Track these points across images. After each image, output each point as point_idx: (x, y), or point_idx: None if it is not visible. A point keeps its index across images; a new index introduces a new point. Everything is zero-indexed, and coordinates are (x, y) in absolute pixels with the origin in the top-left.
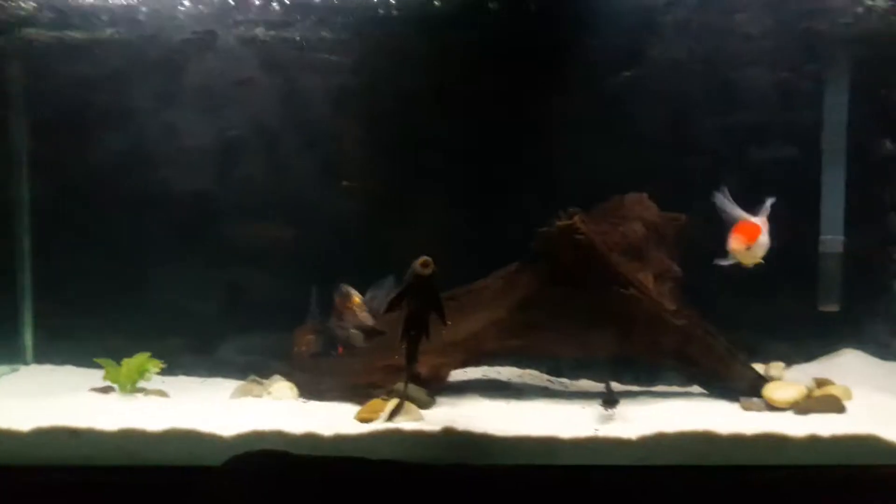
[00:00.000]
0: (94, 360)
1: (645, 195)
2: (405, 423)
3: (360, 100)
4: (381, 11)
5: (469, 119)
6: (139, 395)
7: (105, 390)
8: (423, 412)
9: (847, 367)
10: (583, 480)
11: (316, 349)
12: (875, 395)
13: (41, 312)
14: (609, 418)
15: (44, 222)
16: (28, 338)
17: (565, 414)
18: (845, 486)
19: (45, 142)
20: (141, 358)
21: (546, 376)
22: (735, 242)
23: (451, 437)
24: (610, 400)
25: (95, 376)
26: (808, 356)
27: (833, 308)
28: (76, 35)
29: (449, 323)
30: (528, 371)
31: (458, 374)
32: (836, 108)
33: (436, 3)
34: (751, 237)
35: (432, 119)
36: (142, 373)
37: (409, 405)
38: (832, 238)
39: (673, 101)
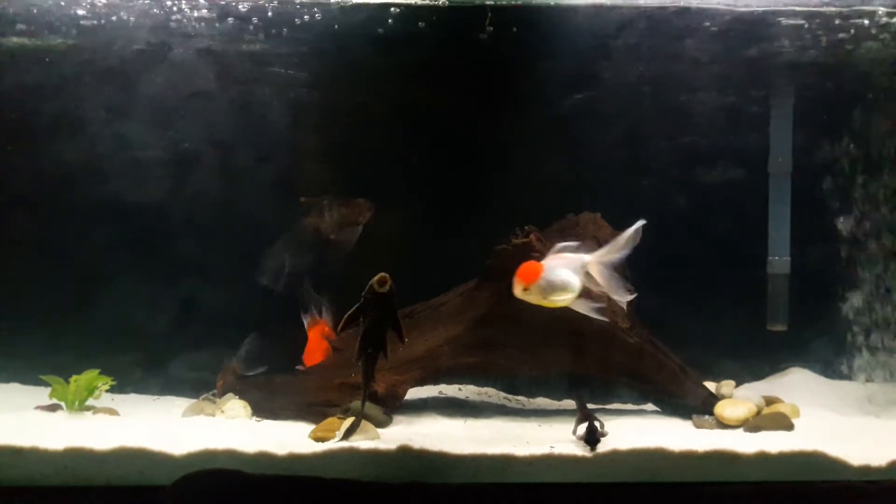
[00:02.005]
0: (41, 376)
1: (598, 215)
2: (361, 442)
3: (318, 116)
4: (338, 28)
5: (426, 138)
6: (87, 414)
7: (52, 408)
8: (380, 430)
9: (795, 386)
10: (538, 498)
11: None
12: (821, 412)
13: None
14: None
15: None
16: None
17: (522, 432)
18: (793, 500)
19: None
20: (90, 375)
21: (503, 394)
22: (514, 285)
23: (407, 456)
24: (592, 439)
25: (42, 394)
26: (758, 375)
27: (781, 328)
28: (25, 42)
29: (406, 340)
30: (485, 389)
31: (415, 392)
32: (781, 132)
33: (420, 24)
34: (529, 277)
35: (391, 138)
36: (91, 390)
37: (365, 423)
38: (780, 259)
39: (624, 123)
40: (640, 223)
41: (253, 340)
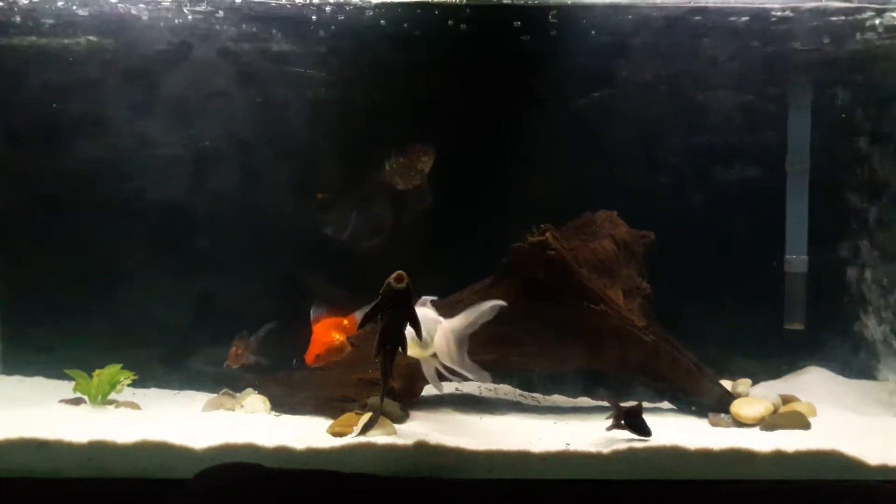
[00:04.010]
0: (65, 371)
1: (615, 212)
2: (378, 437)
3: (335, 113)
4: (357, 26)
5: (442, 136)
6: (110, 408)
7: (75, 402)
8: (397, 426)
9: (812, 385)
10: (554, 495)
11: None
12: (838, 411)
13: (10, 322)
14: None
15: (13, 231)
16: None
17: (537, 429)
18: (809, 499)
19: (15, 149)
20: (112, 369)
21: (518, 391)
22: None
23: (423, 451)
24: (645, 427)
25: (66, 388)
26: (774, 373)
27: (798, 326)
28: (48, 42)
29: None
30: (501, 386)
31: (431, 389)
32: (799, 130)
33: (436, 13)
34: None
35: (409, 135)
36: (113, 385)
37: (382, 419)
38: (797, 258)
39: (641, 122)
40: (498, 303)
41: (273, 326)
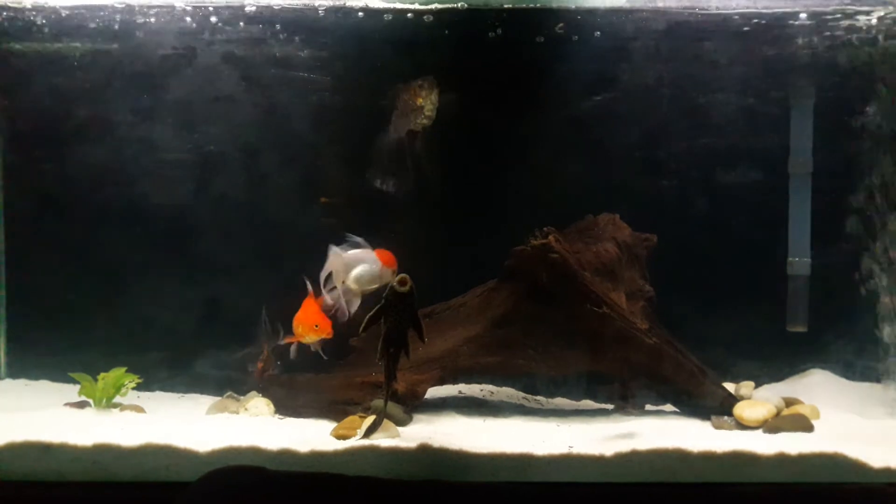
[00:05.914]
0: (70, 374)
1: (617, 216)
2: (382, 440)
3: (338, 118)
4: (358, 31)
5: (446, 140)
6: (115, 411)
7: (80, 405)
8: (400, 429)
9: (815, 387)
10: (557, 497)
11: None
12: (842, 414)
13: (16, 326)
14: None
15: (19, 235)
16: (2, 352)
17: (541, 431)
18: (812, 502)
19: (21, 153)
20: (117, 373)
21: (522, 394)
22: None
23: (427, 454)
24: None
25: (71, 391)
26: (777, 376)
27: (801, 329)
28: (54, 47)
29: (426, 340)
30: (504, 389)
31: (434, 391)
32: (802, 132)
33: (409, 15)
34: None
35: (412, 139)
36: (118, 388)
37: (386, 422)
38: (799, 260)
39: (643, 125)
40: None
41: (265, 314)
